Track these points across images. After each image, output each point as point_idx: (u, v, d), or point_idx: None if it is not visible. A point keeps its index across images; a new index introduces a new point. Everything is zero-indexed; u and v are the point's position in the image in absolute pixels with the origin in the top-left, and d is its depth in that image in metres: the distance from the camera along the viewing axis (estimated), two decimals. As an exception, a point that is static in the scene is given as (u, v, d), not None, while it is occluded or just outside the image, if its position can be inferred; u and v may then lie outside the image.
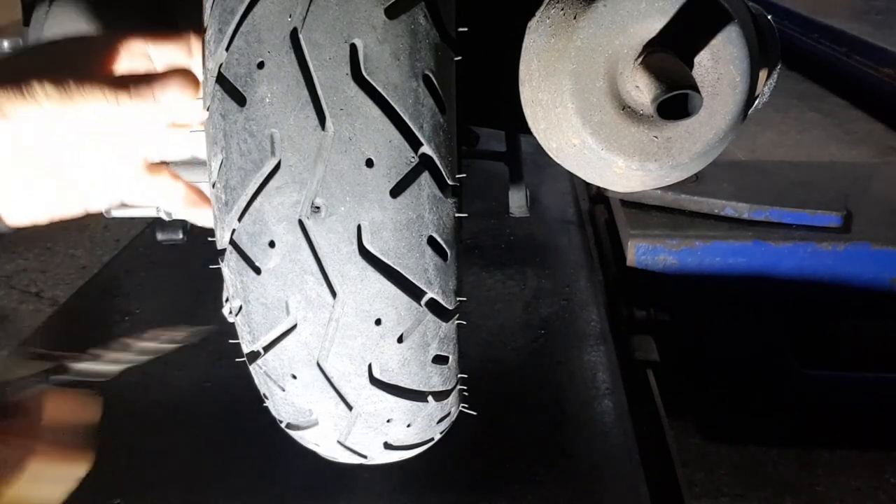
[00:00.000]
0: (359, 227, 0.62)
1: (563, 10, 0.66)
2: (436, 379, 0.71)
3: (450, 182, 0.65)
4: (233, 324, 0.70)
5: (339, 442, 0.72)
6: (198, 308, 1.59)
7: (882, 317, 1.96)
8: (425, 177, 0.63)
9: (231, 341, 0.69)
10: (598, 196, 2.29)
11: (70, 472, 0.65)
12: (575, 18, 0.64)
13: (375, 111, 0.60)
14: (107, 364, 0.92)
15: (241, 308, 0.66)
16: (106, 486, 1.12)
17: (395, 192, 0.62)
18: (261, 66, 0.61)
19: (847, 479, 2.02)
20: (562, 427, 1.25)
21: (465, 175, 0.70)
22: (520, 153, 1.95)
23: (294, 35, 0.60)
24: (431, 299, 0.67)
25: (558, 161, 0.74)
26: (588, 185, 2.32)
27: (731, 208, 1.92)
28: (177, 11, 1.07)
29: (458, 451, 1.14)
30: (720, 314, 1.98)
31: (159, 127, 0.71)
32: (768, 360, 2.02)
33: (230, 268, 0.66)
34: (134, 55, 0.69)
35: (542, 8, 0.69)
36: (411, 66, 0.61)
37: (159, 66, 0.70)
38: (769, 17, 0.76)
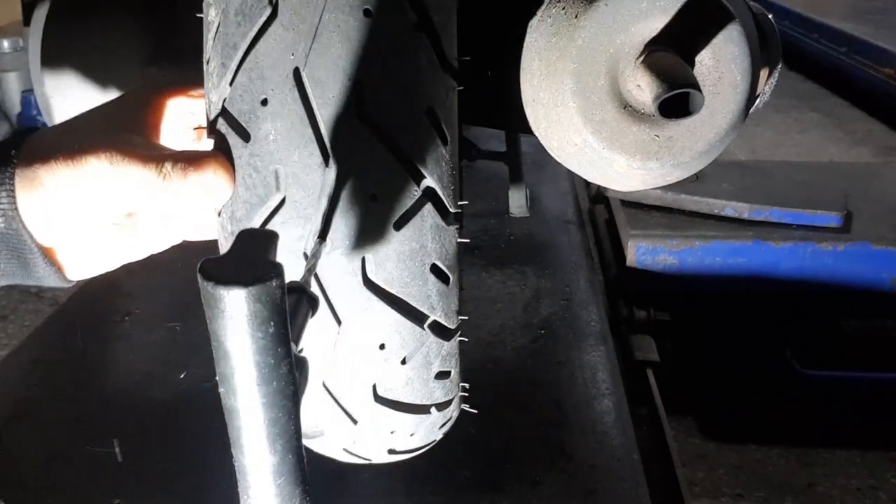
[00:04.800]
0: (363, 260, 0.62)
1: (564, 9, 0.66)
2: (438, 393, 0.72)
3: (452, 210, 0.66)
4: None
5: (344, 450, 0.73)
6: (198, 308, 1.59)
7: (882, 317, 1.96)
8: (428, 208, 0.64)
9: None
10: (598, 196, 2.29)
11: None
12: (576, 17, 0.64)
13: (379, 147, 0.60)
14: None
15: None
16: (106, 486, 1.12)
17: (399, 224, 0.63)
18: (264, 103, 0.60)
19: (847, 479, 2.02)
20: (562, 427, 1.24)
21: (466, 203, 0.70)
22: (520, 153, 1.95)
23: (297, 73, 0.60)
24: (434, 322, 0.67)
25: (559, 160, 0.74)
26: (588, 184, 2.32)
27: (731, 208, 1.92)
28: (177, 13, 1.07)
29: (458, 451, 1.14)
30: (720, 314, 1.98)
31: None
32: (768, 360, 2.02)
33: None
34: (180, 113, 0.71)
35: (543, 7, 0.69)
36: (414, 101, 0.61)
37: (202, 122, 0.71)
38: (770, 16, 0.76)
